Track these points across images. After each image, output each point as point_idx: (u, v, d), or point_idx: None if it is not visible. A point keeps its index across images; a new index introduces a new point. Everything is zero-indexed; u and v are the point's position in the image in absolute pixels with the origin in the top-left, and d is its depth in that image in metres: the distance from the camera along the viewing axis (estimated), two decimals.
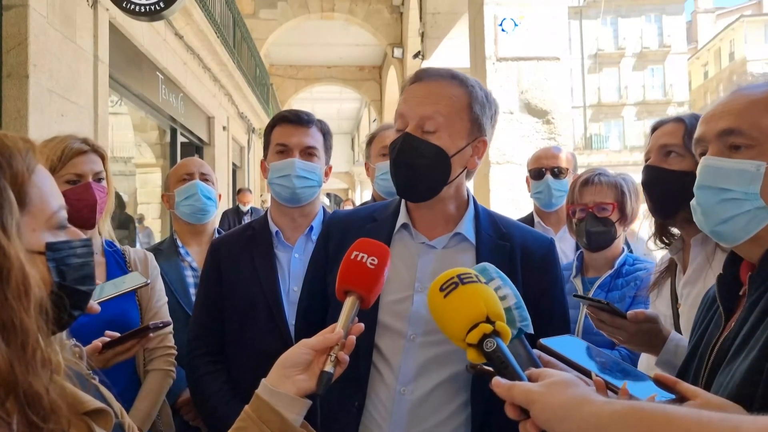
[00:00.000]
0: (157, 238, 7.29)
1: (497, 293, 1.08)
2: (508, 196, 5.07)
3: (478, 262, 1.39)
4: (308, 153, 2.04)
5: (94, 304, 1.32)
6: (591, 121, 37.38)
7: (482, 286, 1.03)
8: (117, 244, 2.09)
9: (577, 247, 2.60)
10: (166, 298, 2.12)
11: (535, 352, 1.12)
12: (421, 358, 1.41)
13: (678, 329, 1.69)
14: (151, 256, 2.13)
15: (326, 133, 2.13)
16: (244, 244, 2.04)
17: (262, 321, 1.93)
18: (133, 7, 4.64)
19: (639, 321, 1.52)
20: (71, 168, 1.87)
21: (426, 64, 10.46)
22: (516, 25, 5.56)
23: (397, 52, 13.24)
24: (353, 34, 14.93)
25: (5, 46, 3.69)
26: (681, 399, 0.89)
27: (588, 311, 1.62)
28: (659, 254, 1.97)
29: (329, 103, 22.46)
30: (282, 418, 0.94)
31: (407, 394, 1.40)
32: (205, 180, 2.60)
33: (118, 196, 6.68)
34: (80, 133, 1.99)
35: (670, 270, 1.84)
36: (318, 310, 1.54)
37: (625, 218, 2.22)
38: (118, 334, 1.66)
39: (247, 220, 8.49)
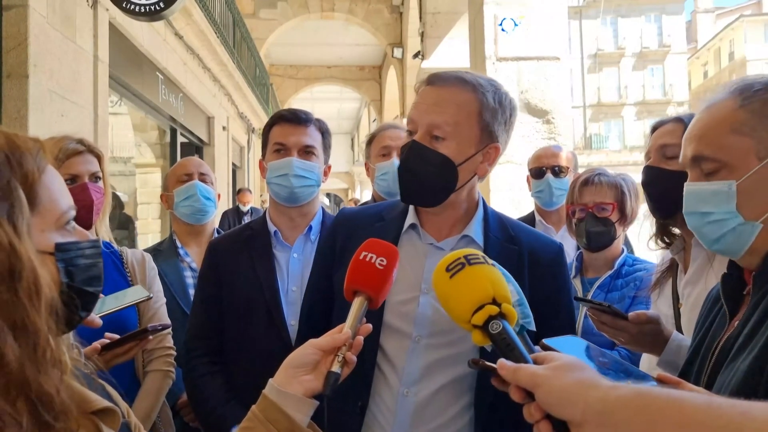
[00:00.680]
0: (155, 239, 7.29)
1: None
2: (508, 195, 5.07)
3: None
4: (306, 152, 2.03)
5: (95, 318, 1.33)
6: (591, 121, 37.38)
7: (489, 267, 1.01)
8: (115, 245, 2.07)
9: (578, 247, 2.60)
10: (164, 299, 2.11)
11: (537, 350, 1.12)
12: (426, 359, 1.40)
13: (679, 329, 1.69)
14: (148, 257, 2.12)
15: (325, 132, 2.12)
16: (242, 245, 2.03)
17: (261, 321, 1.92)
18: (133, 7, 4.64)
19: (641, 322, 1.52)
20: (67, 169, 1.86)
21: (426, 64, 10.46)
22: (516, 24, 5.57)
23: (397, 51, 13.25)
24: (353, 34, 14.94)
25: (5, 47, 3.69)
26: None
27: (589, 313, 1.62)
28: (655, 254, 1.97)
29: (329, 103, 22.47)
30: (289, 419, 0.94)
31: (411, 395, 1.39)
32: (204, 180, 2.59)
33: (118, 197, 6.69)
34: (76, 134, 1.98)
35: (671, 270, 1.84)
36: (323, 308, 1.53)
37: (624, 218, 2.21)
38: (117, 336, 1.65)
39: (247, 220, 8.50)
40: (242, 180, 13.13)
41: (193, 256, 2.54)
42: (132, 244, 6.94)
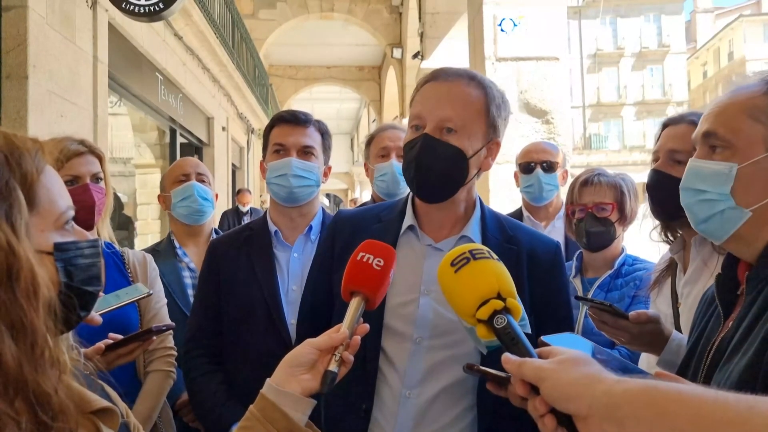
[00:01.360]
0: (155, 239, 7.29)
1: None
2: (508, 195, 5.07)
3: None
4: (305, 152, 2.04)
5: (95, 315, 1.33)
6: (590, 121, 37.39)
7: (494, 262, 1.01)
8: (116, 245, 2.08)
9: (566, 243, 2.61)
10: (165, 300, 2.12)
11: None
12: (428, 361, 1.40)
13: (678, 328, 1.70)
14: (150, 258, 2.12)
15: (324, 133, 2.13)
16: (242, 245, 2.03)
17: (261, 321, 1.92)
18: (132, 7, 4.64)
19: (641, 322, 1.52)
20: (69, 170, 1.87)
21: (425, 64, 10.47)
22: (515, 25, 5.57)
23: (397, 52, 13.25)
24: (352, 35, 14.94)
25: (5, 47, 3.69)
26: None
27: (590, 312, 1.62)
28: (656, 247, 1.97)
29: (329, 104, 22.48)
30: (287, 418, 0.94)
31: (413, 397, 1.39)
32: (202, 180, 2.58)
33: (117, 197, 6.68)
34: (77, 135, 1.99)
35: (670, 269, 1.84)
36: (322, 309, 1.53)
37: (624, 218, 2.22)
38: (120, 337, 1.65)
39: (246, 220, 8.49)
40: (242, 180, 13.13)
41: (191, 257, 2.54)
42: (131, 244, 6.94)
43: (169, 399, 2.09)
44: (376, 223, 1.54)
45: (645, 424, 0.68)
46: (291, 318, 1.91)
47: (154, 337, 1.72)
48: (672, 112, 34.94)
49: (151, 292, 1.82)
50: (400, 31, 13.54)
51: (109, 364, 1.61)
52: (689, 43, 42.50)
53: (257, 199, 13.28)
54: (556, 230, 2.74)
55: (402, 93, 13.76)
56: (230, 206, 10.36)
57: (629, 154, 34.23)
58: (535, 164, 2.81)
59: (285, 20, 13.69)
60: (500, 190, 5.18)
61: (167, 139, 8.07)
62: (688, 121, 1.69)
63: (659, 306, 1.83)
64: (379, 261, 1.10)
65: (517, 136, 5.24)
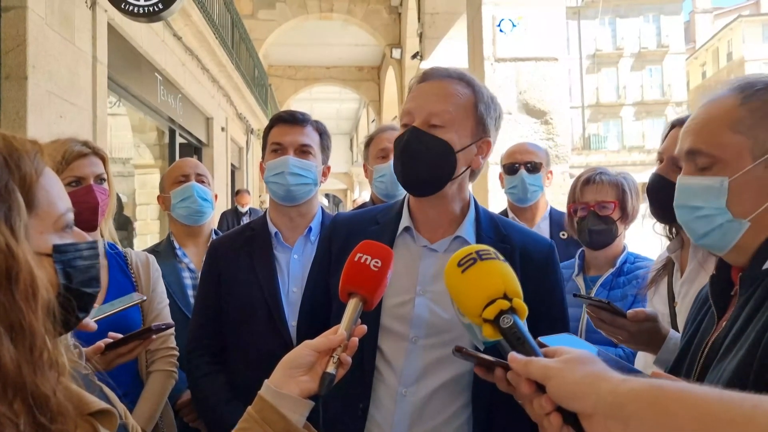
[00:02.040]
0: (154, 240, 7.29)
1: None
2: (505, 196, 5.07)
3: None
4: (302, 151, 2.05)
5: (90, 322, 1.33)
6: (589, 121, 37.39)
7: (500, 263, 1.02)
8: (119, 246, 2.09)
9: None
10: (167, 300, 2.12)
11: None
12: (424, 360, 1.42)
13: (675, 327, 1.70)
14: (152, 258, 2.13)
15: (323, 133, 2.14)
16: (243, 245, 2.04)
17: (262, 322, 1.93)
18: (131, 8, 4.64)
19: (639, 320, 1.53)
20: (72, 171, 1.88)
21: (424, 64, 10.47)
22: (514, 25, 5.57)
23: (396, 52, 13.25)
24: (352, 35, 14.94)
25: (4, 48, 3.70)
26: None
27: (588, 311, 1.63)
28: (658, 241, 1.97)
29: (328, 104, 22.48)
30: (285, 419, 0.94)
31: (409, 395, 1.41)
32: (201, 181, 2.58)
33: (118, 198, 6.67)
34: (80, 136, 2.00)
35: (667, 268, 1.85)
36: (321, 312, 1.54)
37: (626, 216, 2.23)
38: (120, 336, 1.66)
39: (245, 221, 8.49)
40: (241, 181, 13.13)
41: (191, 257, 2.54)
42: (131, 244, 6.94)
43: (170, 399, 2.09)
44: (373, 225, 1.55)
45: (649, 422, 0.68)
46: (291, 319, 1.91)
47: (154, 336, 1.72)
48: (671, 112, 35.01)
49: (145, 298, 1.83)
50: (400, 32, 13.55)
51: (109, 363, 1.62)
52: (688, 44, 42.51)
53: (256, 199, 13.28)
54: (540, 231, 2.74)
55: (401, 93, 13.76)
56: (229, 207, 10.36)
57: (628, 155, 34.24)
58: (519, 165, 2.80)
59: (284, 20, 13.68)
60: (499, 191, 5.17)
61: (166, 140, 8.07)
62: None
63: (656, 305, 1.84)
64: (377, 262, 1.11)
65: (516, 136, 5.24)
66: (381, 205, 1.71)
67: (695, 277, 1.68)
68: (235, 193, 10.31)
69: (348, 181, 29.79)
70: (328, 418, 1.49)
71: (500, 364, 0.92)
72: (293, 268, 2.02)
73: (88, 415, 0.81)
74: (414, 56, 11.34)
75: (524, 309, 0.97)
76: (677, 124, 1.74)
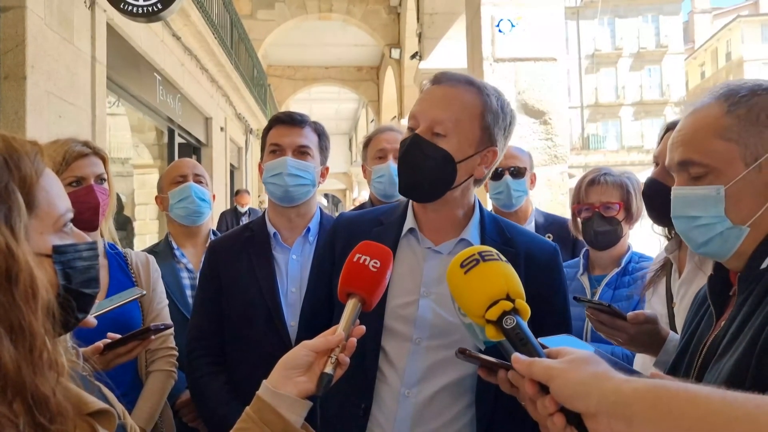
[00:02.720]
0: (153, 240, 7.28)
1: None
2: None
3: None
4: (301, 152, 2.06)
5: (90, 318, 1.33)
6: (588, 122, 37.42)
7: (503, 264, 1.03)
8: (119, 246, 2.09)
9: None
10: (167, 301, 2.13)
11: None
12: (427, 361, 1.42)
13: (673, 328, 1.70)
14: (152, 259, 2.13)
15: (321, 134, 2.14)
16: (242, 246, 2.05)
17: (261, 322, 1.94)
18: (130, 8, 4.64)
19: (639, 322, 1.53)
20: (73, 171, 1.88)
21: (423, 64, 10.47)
22: (513, 25, 5.57)
23: (395, 52, 13.24)
24: (351, 35, 14.93)
25: (3, 48, 3.69)
26: None
27: (587, 313, 1.62)
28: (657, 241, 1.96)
29: (327, 104, 22.47)
30: (283, 420, 0.95)
31: (411, 396, 1.41)
32: (199, 181, 2.58)
33: (118, 198, 6.67)
34: (80, 136, 2.00)
35: (665, 269, 1.85)
36: (323, 312, 1.54)
37: (630, 217, 2.23)
38: (119, 336, 1.66)
39: (245, 221, 8.48)
40: (240, 181, 13.12)
41: (189, 258, 2.54)
42: (130, 244, 6.93)
43: (169, 399, 2.10)
44: (377, 226, 1.55)
45: (653, 422, 0.69)
46: (290, 320, 1.92)
47: (153, 336, 1.73)
48: (670, 112, 35.03)
49: (144, 292, 1.84)
50: (399, 32, 13.54)
51: (107, 363, 1.62)
52: (687, 44, 42.55)
53: (255, 199, 13.27)
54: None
55: (400, 93, 13.76)
56: (228, 207, 10.35)
57: (627, 155, 34.25)
58: (503, 170, 2.76)
59: (283, 20, 13.67)
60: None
61: (165, 140, 8.07)
62: None
63: (654, 306, 1.84)
64: (376, 262, 1.11)
65: (515, 136, 5.22)
66: (384, 206, 1.71)
67: (693, 278, 1.68)
68: (235, 193, 10.30)
69: (347, 181, 29.80)
70: (331, 417, 1.49)
71: (503, 366, 0.92)
72: (292, 269, 2.03)
73: (87, 415, 0.81)
74: (413, 56, 11.33)
75: (527, 310, 0.98)
76: (672, 127, 1.73)
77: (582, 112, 36.83)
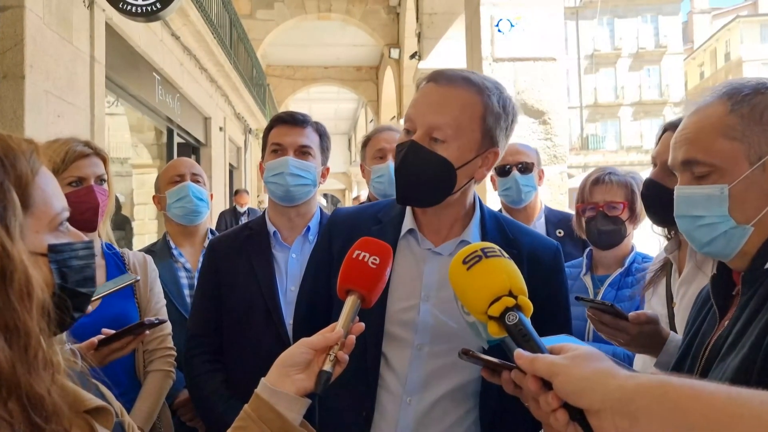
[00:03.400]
0: (152, 240, 7.27)
1: None
2: None
3: None
4: (302, 152, 2.06)
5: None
6: (587, 122, 37.42)
7: (506, 260, 1.02)
8: (116, 246, 2.09)
9: None
10: (164, 301, 2.13)
11: None
12: (428, 367, 1.39)
13: (673, 328, 1.70)
14: (149, 258, 2.13)
15: (323, 135, 2.15)
16: (242, 245, 2.05)
17: (260, 321, 1.94)
18: (129, 7, 4.64)
19: (641, 322, 1.52)
20: (74, 171, 1.88)
21: (422, 64, 10.48)
22: (512, 25, 5.57)
23: (394, 52, 13.24)
24: (350, 35, 14.93)
25: (1, 47, 3.69)
26: None
27: (589, 313, 1.61)
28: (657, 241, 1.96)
29: (326, 104, 22.46)
30: (282, 417, 0.94)
31: (413, 403, 1.38)
32: (196, 181, 2.57)
33: (116, 198, 6.66)
34: (82, 136, 2.00)
35: (664, 269, 1.85)
36: (321, 310, 1.51)
37: (634, 217, 2.22)
38: (113, 332, 1.66)
39: (244, 221, 8.47)
40: (239, 181, 13.12)
41: (187, 257, 2.54)
42: (129, 244, 6.93)
43: (167, 398, 2.10)
44: (375, 225, 1.51)
45: (658, 418, 0.68)
46: (289, 318, 1.91)
47: (147, 331, 1.72)
48: (669, 112, 35.04)
49: (138, 278, 1.83)
50: (398, 32, 13.55)
51: (102, 359, 1.62)
52: (686, 44, 42.57)
53: (254, 199, 13.27)
54: (537, 231, 2.73)
55: (399, 93, 13.76)
56: (227, 206, 10.34)
57: (626, 155, 34.24)
58: (510, 166, 2.77)
59: (282, 20, 13.67)
60: (494, 192, 5.18)
61: (164, 139, 8.06)
62: None
63: (654, 306, 1.84)
64: (375, 259, 1.10)
65: (514, 136, 5.21)
66: (382, 201, 1.66)
67: (693, 278, 1.67)
68: (234, 193, 10.29)
69: (346, 181, 29.79)
70: (332, 424, 1.47)
71: (506, 366, 0.92)
72: (291, 268, 2.03)
73: (84, 413, 0.81)
74: (412, 56, 11.34)
75: (529, 306, 0.97)
76: (670, 127, 1.72)
77: (581, 112, 36.83)
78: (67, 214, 0.82)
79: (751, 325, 0.95)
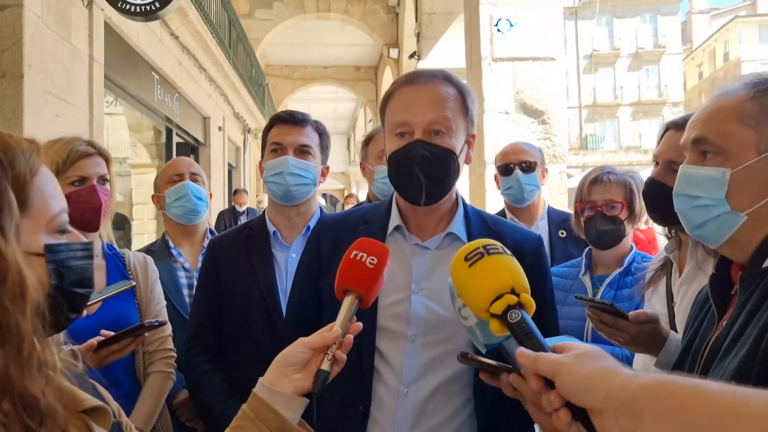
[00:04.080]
0: (151, 239, 7.26)
1: None
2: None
3: None
4: (302, 151, 2.06)
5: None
6: (586, 122, 37.43)
7: (508, 257, 1.02)
8: (116, 246, 2.08)
9: (551, 242, 2.61)
10: (164, 302, 2.13)
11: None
12: (423, 358, 1.41)
13: (674, 327, 1.70)
14: (150, 259, 2.12)
15: (322, 134, 2.14)
16: (242, 244, 2.05)
17: (260, 320, 1.94)
18: (128, 7, 4.63)
19: (641, 322, 1.52)
20: (76, 170, 1.87)
21: (422, 64, 10.47)
22: (512, 25, 5.57)
23: (393, 52, 13.23)
24: (349, 35, 14.92)
25: (0, 46, 3.68)
26: None
27: (589, 312, 1.61)
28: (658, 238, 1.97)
29: (325, 104, 22.45)
30: (280, 417, 0.94)
31: (410, 394, 1.40)
32: (195, 180, 2.57)
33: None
34: (84, 136, 1.99)
35: (665, 268, 1.84)
36: (310, 314, 1.53)
37: (633, 216, 2.22)
38: (112, 333, 1.65)
39: (243, 221, 8.46)
40: (238, 180, 13.11)
41: (186, 257, 2.53)
42: (128, 244, 6.92)
43: (166, 399, 2.09)
44: (362, 225, 1.55)
45: (662, 417, 0.67)
46: None
47: (146, 333, 1.71)
48: (668, 112, 35.06)
49: (134, 283, 1.83)
50: (397, 31, 13.54)
51: (101, 360, 1.62)
52: (685, 44, 42.59)
53: (253, 199, 13.26)
54: (539, 230, 2.73)
55: None
56: (226, 206, 10.33)
57: (625, 155, 34.26)
58: (513, 165, 2.78)
59: (281, 20, 13.66)
60: (497, 190, 5.18)
61: (163, 139, 8.06)
62: None
63: (654, 305, 1.84)
64: (373, 259, 1.10)
65: (513, 136, 5.24)
66: (367, 205, 1.71)
67: (694, 277, 1.67)
68: (234, 193, 10.28)
69: (345, 181, 29.76)
70: (328, 419, 1.48)
71: (505, 369, 0.91)
72: (291, 267, 2.02)
73: (81, 413, 0.80)
74: (411, 56, 11.34)
75: (532, 304, 0.96)
76: (672, 126, 1.71)
77: (580, 112, 36.83)
78: (66, 215, 0.81)
79: (750, 324, 0.95)
